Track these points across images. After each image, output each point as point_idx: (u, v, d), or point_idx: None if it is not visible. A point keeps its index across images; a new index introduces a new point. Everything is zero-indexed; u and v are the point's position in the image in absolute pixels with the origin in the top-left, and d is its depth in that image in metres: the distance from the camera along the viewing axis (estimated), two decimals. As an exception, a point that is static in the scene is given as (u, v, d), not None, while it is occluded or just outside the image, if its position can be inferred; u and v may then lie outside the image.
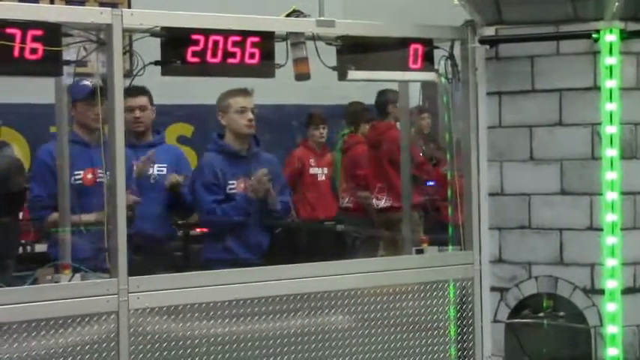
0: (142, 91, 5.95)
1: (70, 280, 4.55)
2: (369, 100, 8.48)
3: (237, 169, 5.94)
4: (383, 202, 8.03)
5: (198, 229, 6.00)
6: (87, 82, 5.15)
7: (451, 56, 5.44)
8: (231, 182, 5.91)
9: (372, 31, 5.27)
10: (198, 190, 5.91)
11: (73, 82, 4.81)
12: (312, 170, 8.70)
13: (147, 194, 5.75)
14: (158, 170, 6.00)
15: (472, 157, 5.47)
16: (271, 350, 4.90)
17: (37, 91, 5.12)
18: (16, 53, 4.28)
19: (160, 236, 5.93)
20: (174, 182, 5.89)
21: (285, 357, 4.93)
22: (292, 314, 4.95)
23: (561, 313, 5.32)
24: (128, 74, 4.68)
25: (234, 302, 4.79)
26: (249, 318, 4.83)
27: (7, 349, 4.26)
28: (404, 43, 5.32)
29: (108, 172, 4.66)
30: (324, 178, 8.71)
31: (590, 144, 5.24)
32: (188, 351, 4.68)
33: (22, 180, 5.68)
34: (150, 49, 4.71)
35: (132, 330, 4.54)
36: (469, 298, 5.43)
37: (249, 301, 4.82)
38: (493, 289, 5.44)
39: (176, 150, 6.47)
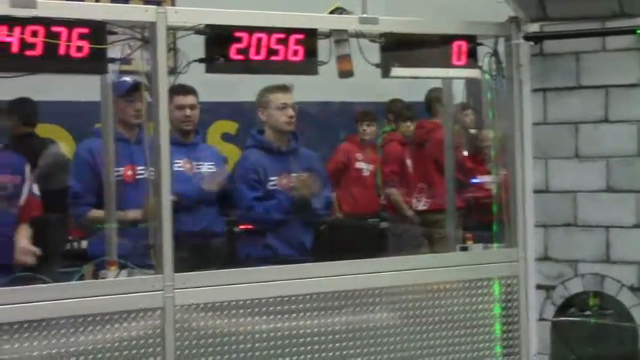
0: (191, 89, 5.97)
1: (116, 277, 4.58)
2: (412, 97, 8.46)
3: (277, 165, 5.94)
4: (422, 204, 8.00)
5: (241, 226, 6.00)
6: (127, 79, 5.19)
7: (495, 53, 5.40)
8: (272, 178, 5.91)
9: (415, 28, 5.25)
10: (238, 187, 5.92)
11: (115, 79, 4.83)
12: (358, 165, 8.70)
13: (195, 192, 5.78)
14: (208, 168, 6.03)
15: (517, 154, 5.43)
16: (315, 347, 4.89)
17: (84, 88, 5.15)
18: (62, 51, 4.30)
19: (206, 233, 5.95)
20: (218, 182, 5.91)
21: (329, 354, 4.92)
22: (336, 311, 4.94)
23: (608, 312, 5.27)
24: (172, 72, 4.69)
25: (279, 299, 4.79)
26: (293, 315, 4.82)
27: (55, 344, 4.29)
28: (447, 39, 5.29)
29: (152, 169, 4.68)
30: (368, 174, 8.70)
31: (636, 140, 5.19)
32: (233, 347, 4.68)
33: (67, 177, 5.72)
34: (194, 47, 4.72)
35: (177, 326, 4.55)
36: (514, 296, 5.39)
37: (293, 298, 4.82)
38: (539, 287, 5.40)
39: (215, 150, 6.50)
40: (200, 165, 6.01)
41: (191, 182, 5.83)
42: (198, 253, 5.57)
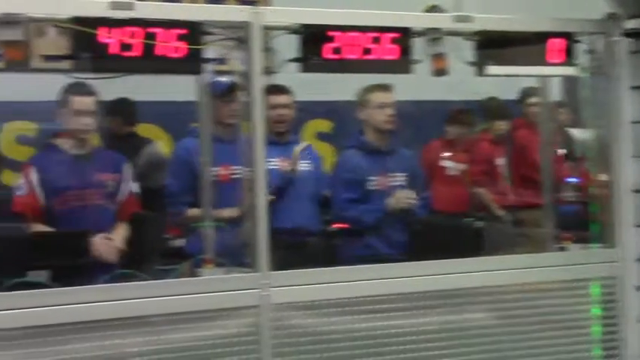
0: (284, 88, 5.98)
1: (212, 275, 4.60)
2: (507, 96, 8.34)
3: (376, 165, 5.93)
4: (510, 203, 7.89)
5: (337, 225, 5.99)
6: (223, 79, 5.22)
7: (592, 50, 5.29)
8: (371, 178, 5.89)
9: (510, 26, 5.17)
10: (336, 186, 5.91)
11: (212, 79, 4.87)
12: (444, 163, 8.60)
13: (292, 190, 5.80)
14: (305, 166, 6.04)
15: (615, 153, 5.31)
16: (410, 346, 4.85)
17: (180, 88, 5.21)
18: (159, 52, 4.35)
19: (303, 231, 5.96)
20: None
21: (424, 353, 4.88)
22: (432, 311, 4.89)
23: None
24: (267, 71, 4.70)
25: (374, 298, 4.76)
26: (388, 314, 4.79)
27: (153, 340, 4.34)
28: (543, 37, 5.20)
29: (248, 169, 4.70)
30: (456, 173, 8.61)
31: None
32: (328, 346, 4.67)
33: (165, 175, 5.79)
34: (289, 46, 4.73)
35: (273, 324, 4.56)
36: (613, 297, 5.27)
37: (388, 297, 4.79)
38: (639, 288, 5.27)
39: (311, 148, 6.49)
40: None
41: (285, 179, 5.85)
42: (294, 251, 5.59)
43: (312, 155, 6.19)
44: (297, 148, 5.92)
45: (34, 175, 5.27)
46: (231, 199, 5.11)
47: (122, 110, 7.24)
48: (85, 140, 5.37)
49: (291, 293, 4.62)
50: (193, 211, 5.44)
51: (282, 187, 5.74)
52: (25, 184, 5.28)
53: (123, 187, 5.45)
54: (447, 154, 8.51)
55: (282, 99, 6.00)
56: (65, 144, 5.39)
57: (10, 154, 7.69)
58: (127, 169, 5.50)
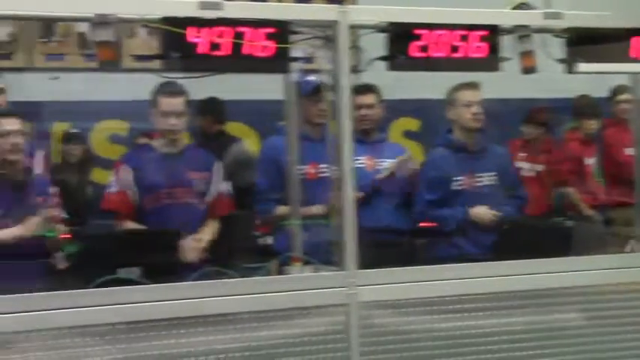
0: (370, 88, 5.96)
1: (300, 273, 4.61)
2: (596, 93, 8.20)
3: (464, 164, 5.87)
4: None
5: (423, 224, 5.96)
6: (312, 78, 5.22)
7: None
8: (457, 178, 5.84)
9: (601, 23, 5.06)
10: (420, 185, 5.88)
11: (300, 78, 4.88)
12: (518, 164, 8.48)
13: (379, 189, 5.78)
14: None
15: None
16: (496, 347, 4.79)
17: (268, 87, 5.23)
18: (247, 51, 4.37)
19: (390, 230, 5.94)
20: (401, 160, 5.87)
21: (510, 354, 4.81)
22: (519, 311, 4.81)
23: None
24: (354, 70, 4.68)
25: (461, 297, 4.71)
26: (475, 314, 4.74)
27: (240, 338, 4.35)
28: (636, 33, 5.09)
29: (335, 167, 4.70)
30: (533, 174, 8.47)
31: None
32: (415, 345, 4.64)
33: (252, 174, 5.82)
34: (376, 45, 4.71)
35: (361, 322, 4.54)
36: None
37: (475, 297, 4.73)
38: None
39: (400, 147, 6.46)
40: (382, 162, 6.00)
41: (371, 178, 5.83)
42: (381, 249, 5.56)
43: (398, 153, 6.17)
44: (393, 163, 5.90)
45: (125, 173, 5.33)
46: (318, 197, 5.11)
47: (212, 109, 7.30)
48: (176, 139, 5.42)
49: (378, 292, 4.59)
50: (281, 209, 5.46)
51: (372, 193, 5.72)
52: (116, 181, 5.35)
53: (213, 186, 5.48)
54: (522, 154, 8.39)
55: (364, 98, 5.99)
56: (157, 143, 5.44)
57: (103, 152, 7.82)
58: (218, 168, 5.53)
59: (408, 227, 6.09)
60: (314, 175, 5.54)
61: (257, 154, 6.29)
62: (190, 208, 5.37)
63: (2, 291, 4.64)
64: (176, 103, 5.31)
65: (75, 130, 7.67)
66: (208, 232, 5.42)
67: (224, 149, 6.60)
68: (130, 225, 5.30)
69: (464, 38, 4.73)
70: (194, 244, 5.26)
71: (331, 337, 4.50)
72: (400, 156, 6.00)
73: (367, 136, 6.01)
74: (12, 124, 5.05)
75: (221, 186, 5.52)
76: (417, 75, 4.89)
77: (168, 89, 5.23)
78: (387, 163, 5.98)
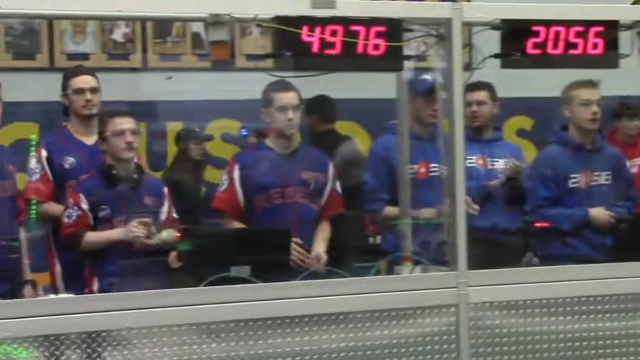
0: (481, 85, 5.87)
1: (410, 273, 4.56)
2: None
3: (579, 162, 5.73)
4: None
5: (538, 224, 5.83)
6: (427, 77, 5.15)
7: None
8: (572, 176, 5.71)
9: None
10: (534, 183, 5.77)
11: (413, 76, 4.82)
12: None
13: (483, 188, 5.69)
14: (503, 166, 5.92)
15: None
16: (614, 350, 4.65)
17: (378, 85, 5.20)
18: (360, 49, 4.33)
19: (500, 229, 5.85)
20: (514, 167, 5.78)
21: (630, 358, 4.67)
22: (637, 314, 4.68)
23: None
24: (467, 68, 4.62)
25: (577, 299, 4.59)
26: (592, 316, 4.60)
27: (351, 337, 4.31)
28: None
29: (446, 167, 4.63)
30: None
31: None
32: (528, 347, 4.53)
33: (362, 173, 5.78)
34: (489, 42, 4.63)
35: (471, 324, 4.46)
36: None
37: (592, 299, 4.60)
38: None
39: (514, 146, 6.35)
40: (494, 161, 5.90)
41: (483, 178, 5.74)
42: (491, 249, 5.48)
43: (512, 152, 6.06)
44: (512, 166, 5.81)
45: (236, 173, 5.34)
46: (430, 197, 5.04)
47: (321, 107, 7.28)
48: (290, 137, 5.40)
49: (489, 293, 4.50)
50: (391, 210, 5.40)
51: (484, 197, 5.63)
52: (226, 180, 5.36)
53: (327, 186, 5.45)
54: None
55: (478, 95, 5.90)
56: (270, 141, 5.44)
57: (216, 151, 7.88)
58: (332, 169, 5.50)
59: (517, 226, 5.98)
60: (424, 175, 5.47)
61: (366, 153, 6.24)
62: (302, 209, 5.34)
63: (119, 288, 4.73)
64: (291, 96, 5.30)
65: (196, 129, 7.72)
66: (324, 238, 5.37)
67: (333, 148, 6.57)
68: (236, 226, 5.30)
69: (581, 34, 4.60)
70: (316, 263, 5.23)
71: (441, 338, 4.43)
72: (514, 162, 5.87)
73: (480, 134, 5.91)
74: (126, 123, 5.11)
75: (334, 186, 5.48)
76: (532, 72, 4.80)
77: (282, 85, 5.23)
78: (500, 164, 5.87)
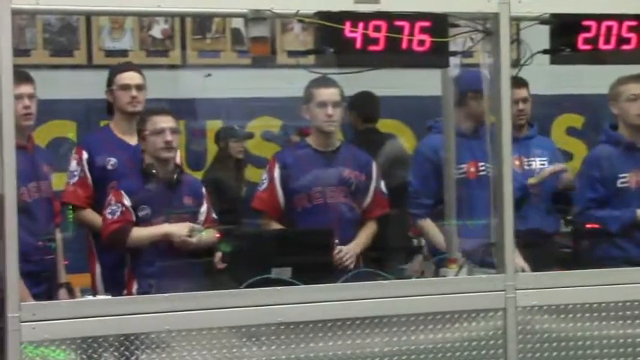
0: (523, 82, 5.82)
1: (456, 275, 4.54)
2: None
3: (629, 161, 5.66)
4: None
5: (588, 225, 5.78)
6: (477, 73, 5.11)
7: None
8: (621, 175, 5.64)
9: None
10: (581, 184, 5.72)
11: (460, 73, 4.79)
12: None
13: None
14: (540, 165, 5.87)
15: None
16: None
17: (423, 82, 5.17)
18: (404, 45, 4.31)
19: (547, 232, 5.79)
20: (568, 183, 5.76)
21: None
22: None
23: None
24: (515, 64, 4.58)
25: (630, 303, 4.54)
26: (642, 321, 4.58)
27: (395, 341, 4.30)
28: None
29: (493, 166, 4.60)
30: None
31: None
32: (579, 352, 4.50)
33: (407, 173, 5.76)
34: (538, 38, 4.60)
35: (520, 328, 4.43)
36: None
37: (642, 304, 4.58)
38: None
39: (549, 142, 6.31)
40: (531, 161, 5.86)
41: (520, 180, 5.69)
42: (536, 252, 5.44)
43: (547, 148, 6.01)
44: (548, 170, 5.76)
45: (276, 172, 5.34)
46: (480, 197, 5.01)
47: (363, 105, 7.25)
48: (330, 135, 5.39)
49: (538, 296, 4.48)
50: (428, 224, 5.38)
51: (522, 198, 5.58)
52: (267, 180, 5.36)
53: (370, 186, 5.43)
54: None
55: (523, 92, 5.88)
56: (311, 140, 5.43)
57: (256, 150, 7.89)
58: (375, 168, 5.48)
59: (557, 229, 5.92)
60: (474, 175, 5.43)
61: (412, 152, 6.22)
62: (343, 209, 5.33)
63: (158, 290, 4.75)
64: (332, 93, 5.29)
65: (236, 127, 7.74)
66: (364, 237, 5.35)
67: (375, 147, 6.55)
68: (275, 226, 5.30)
69: (635, 29, 4.55)
70: (346, 258, 5.22)
71: (487, 343, 4.41)
72: (557, 165, 5.82)
73: (518, 133, 5.85)
74: (166, 121, 5.12)
75: (379, 186, 5.46)
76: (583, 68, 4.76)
77: (323, 81, 5.23)
78: (538, 163, 5.82)
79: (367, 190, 5.40)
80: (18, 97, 4.92)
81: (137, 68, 5.70)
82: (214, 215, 5.28)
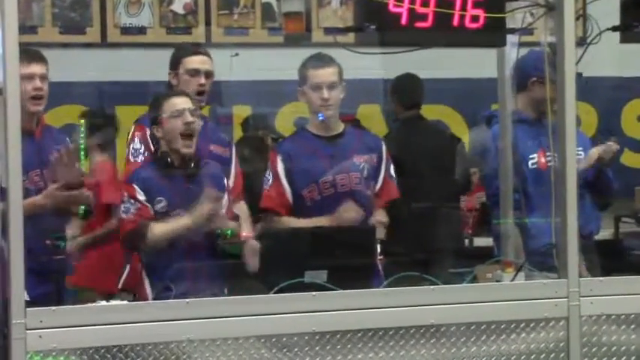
0: None
1: (512, 280, 4.51)
2: None
3: None
4: None
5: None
6: (536, 53, 5.08)
7: None
8: None
9: None
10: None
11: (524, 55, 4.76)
12: None
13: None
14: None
15: None
16: None
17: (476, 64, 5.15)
18: (455, 22, 4.29)
19: (587, 232, 5.75)
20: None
21: None
22: None
23: None
24: (581, 43, 4.54)
25: None
26: None
27: (443, 353, 4.28)
28: None
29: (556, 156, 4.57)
30: None
31: None
32: (650, 367, 4.48)
33: (467, 162, 5.74)
34: (607, 13, 4.57)
35: (584, 340, 4.40)
36: None
37: None
38: None
39: (583, 136, 6.23)
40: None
41: None
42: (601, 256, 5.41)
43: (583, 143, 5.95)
44: (597, 150, 5.70)
45: (279, 165, 5.33)
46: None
47: (404, 89, 7.22)
48: (331, 120, 5.37)
49: (605, 304, 4.44)
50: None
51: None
52: (270, 175, 5.35)
53: (380, 170, 5.41)
54: None
55: None
56: (311, 127, 5.42)
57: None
58: (385, 150, 5.45)
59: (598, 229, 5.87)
60: (545, 165, 5.37)
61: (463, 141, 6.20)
62: (357, 196, 5.30)
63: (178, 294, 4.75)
64: (327, 73, 5.27)
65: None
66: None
67: (421, 136, 6.53)
68: (289, 222, 5.28)
69: None
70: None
71: (548, 356, 4.38)
72: (608, 144, 5.74)
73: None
74: (184, 102, 5.13)
75: (388, 169, 5.43)
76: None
77: (318, 60, 5.22)
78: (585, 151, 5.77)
79: (378, 174, 5.39)
80: (29, 77, 4.96)
81: (208, 52, 5.60)
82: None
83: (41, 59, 5.17)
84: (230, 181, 5.40)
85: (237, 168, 5.53)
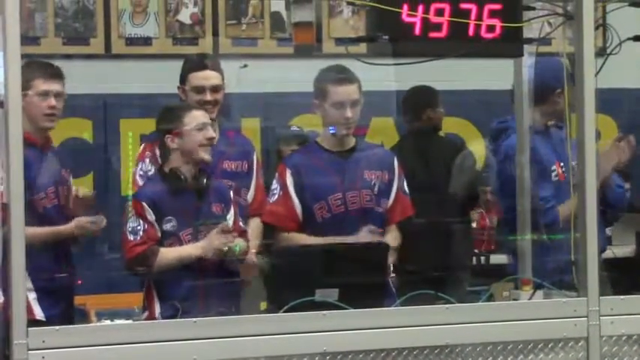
0: None
1: (530, 298, 4.50)
2: None
3: None
4: None
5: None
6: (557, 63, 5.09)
7: None
8: None
9: None
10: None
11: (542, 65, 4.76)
12: None
13: None
14: None
15: None
16: None
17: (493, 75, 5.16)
18: (471, 32, 4.31)
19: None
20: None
21: None
22: None
23: None
24: (601, 53, 4.56)
25: None
26: None
27: (460, 375, 4.29)
28: None
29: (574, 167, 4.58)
30: None
31: None
32: (675, 392, 4.47)
33: (475, 177, 5.74)
34: (627, 22, 4.59)
35: (605, 361, 4.41)
36: None
37: None
38: None
39: None
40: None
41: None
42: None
43: None
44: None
45: (289, 179, 5.32)
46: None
47: (418, 101, 7.22)
48: (347, 136, 5.36)
49: (627, 324, 4.43)
50: None
51: None
52: (278, 189, 5.33)
53: (393, 186, 5.40)
54: None
55: None
56: (323, 141, 5.41)
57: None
58: (397, 166, 5.45)
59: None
60: (563, 176, 5.37)
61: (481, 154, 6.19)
62: (368, 214, 5.30)
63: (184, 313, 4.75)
64: (351, 91, 5.25)
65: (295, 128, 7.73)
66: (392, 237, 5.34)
67: (434, 150, 6.53)
68: (299, 239, 5.27)
69: None
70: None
71: (567, 378, 4.39)
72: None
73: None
74: (205, 116, 5.16)
75: (401, 185, 5.42)
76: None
77: (341, 76, 5.21)
78: None
79: (390, 190, 5.38)
80: (45, 94, 5.01)
81: (217, 64, 5.58)
82: (242, 224, 5.28)
83: (59, 76, 5.21)
84: (249, 195, 5.41)
85: (258, 181, 5.52)
